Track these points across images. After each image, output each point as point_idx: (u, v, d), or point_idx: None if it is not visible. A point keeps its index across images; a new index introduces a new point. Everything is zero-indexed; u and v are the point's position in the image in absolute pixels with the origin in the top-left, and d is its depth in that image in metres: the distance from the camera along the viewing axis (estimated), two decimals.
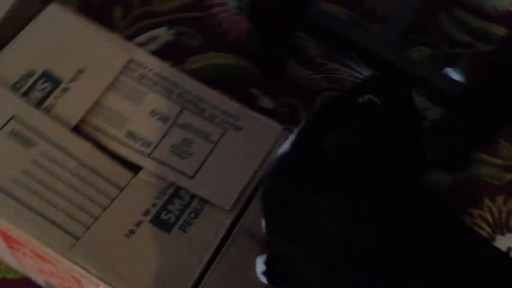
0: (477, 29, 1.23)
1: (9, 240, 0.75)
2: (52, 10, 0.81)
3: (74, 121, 0.74)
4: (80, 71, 0.77)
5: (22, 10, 0.80)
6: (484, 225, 1.03)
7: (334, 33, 1.04)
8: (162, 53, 1.10)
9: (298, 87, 1.10)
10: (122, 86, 0.78)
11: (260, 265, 0.67)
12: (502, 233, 1.03)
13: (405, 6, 1.13)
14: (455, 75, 1.11)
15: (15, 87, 0.75)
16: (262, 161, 0.74)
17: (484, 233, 1.03)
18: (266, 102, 1.08)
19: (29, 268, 0.84)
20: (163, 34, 1.14)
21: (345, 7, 1.21)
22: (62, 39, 0.80)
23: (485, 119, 0.98)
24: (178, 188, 0.72)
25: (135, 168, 0.73)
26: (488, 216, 1.04)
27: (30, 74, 0.76)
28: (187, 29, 1.15)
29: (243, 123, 0.77)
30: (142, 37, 1.12)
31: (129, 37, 1.11)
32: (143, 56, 0.80)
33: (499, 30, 1.22)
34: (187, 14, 1.17)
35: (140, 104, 0.77)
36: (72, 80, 0.76)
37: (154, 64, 0.80)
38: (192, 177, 0.72)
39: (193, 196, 0.71)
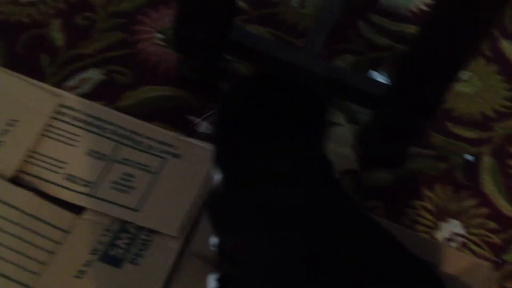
0: (395, 32, 1.30)
1: None
2: None
3: (10, 172, 0.74)
4: (11, 123, 0.78)
5: None
6: (427, 215, 1.08)
7: (260, 52, 1.08)
8: (95, 93, 1.11)
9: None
10: (55, 131, 0.79)
11: (212, 283, 0.69)
12: (445, 220, 1.08)
13: (324, 18, 1.19)
14: (380, 77, 1.17)
15: None
16: (202, 184, 0.76)
17: (428, 223, 1.07)
18: (205, 127, 1.10)
19: None
20: (93, 75, 1.15)
21: (267, 27, 1.25)
22: None
23: (413, 115, 1.03)
24: (124, 222, 0.73)
25: (78, 209, 0.74)
26: (429, 205, 1.09)
27: None
28: (117, 67, 1.16)
29: (181, 150, 0.80)
30: (73, 81, 1.13)
31: (60, 82, 1.11)
32: (72, 99, 0.82)
33: (415, 30, 1.29)
34: (115, 53, 1.18)
35: (75, 146, 0.78)
36: (4, 132, 0.77)
37: (84, 106, 0.82)
38: (136, 209, 0.74)
39: (139, 228, 0.73)
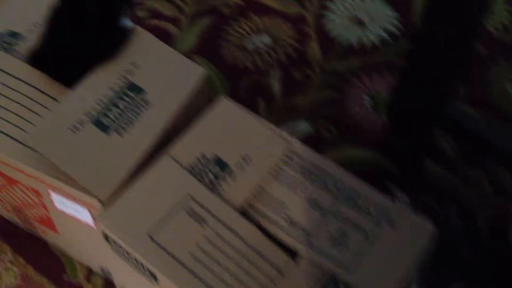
0: None
1: None
2: (221, 103, 0.90)
3: (239, 203, 0.80)
4: (245, 157, 0.84)
5: (193, 102, 0.90)
6: None
7: (472, 132, 1.07)
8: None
9: (434, 186, 1.12)
10: (282, 174, 0.84)
11: None
12: None
13: None
14: None
15: (190, 169, 0.82)
16: (412, 264, 0.76)
17: None
18: (403, 199, 1.10)
19: None
20: (303, 127, 1.21)
21: (479, 108, 1.23)
22: (229, 128, 0.88)
23: None
24: (334, 278, 0.75)
25: (292, 253, 0.77)
26: None
27: (202, 158, 0.83)
28: (325, 123, 1.22)
29: (397, 218, 0.80)
30: (283, 129, 1.20)
31: None
32: (299, 147, 0.87)
33: None
34: (325, 110, 1.24)
35: (297, 192, 0.82)
36: (238, 165, 0.83)
37: (310, 155, 0.86)
38: (348, 268, 0.75)
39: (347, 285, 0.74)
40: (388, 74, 1.29)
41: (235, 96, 1.24)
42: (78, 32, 0.85)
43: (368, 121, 1.23)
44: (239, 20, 1.36)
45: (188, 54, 1.27)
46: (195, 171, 0.82)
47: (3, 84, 0.85)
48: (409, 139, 1.13)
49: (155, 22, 1.35)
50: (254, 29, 1.35)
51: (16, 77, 0.86)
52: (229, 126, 0.88)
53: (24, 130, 0.82)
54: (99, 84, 0.86)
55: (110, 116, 0.84)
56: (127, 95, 0.86)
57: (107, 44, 0.87)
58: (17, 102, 0.84)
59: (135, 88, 0.87)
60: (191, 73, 0.91)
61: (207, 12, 1.37)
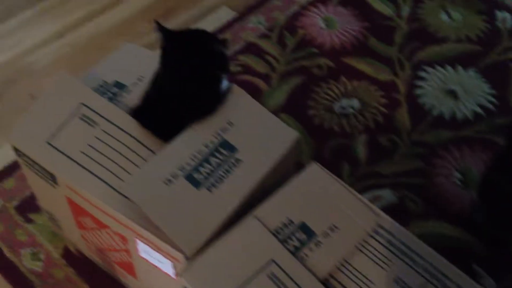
0: None
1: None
2: (310, 169, 0.90)
3: (323, 274, 0.78)
4: (333, 228, 0.83)
5: (283, 164, 0.90)
6: None
7: None
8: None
9: None
10: (369, 248, 0.81)
11: None
12: None
13: None
14: None
15: (275, 233, 0.82)
16: None
17: None
18: (489, 283, 1.04)
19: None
20: (387, 195, 1.18)
21: None
22: (318, 195, 0.87)
23: None
24: None
25: None
26: None
27: (288, 223, 0.83)
28: (410, 194, 1.18)
29: None
30: (367, 195, 1.18)
31: None
32: (389, 222, 0.84)
33: None
34: (411, 180, 1.21)
35: (384, 268, 0.80)
36: (325, 234, 0.82)
37: (400, 232, 0.84)
38: None
39: None
40: (480, 149, 1.25)
41: (320, 158, 1.24)
42: (178, 91, 0.88)
43: (456, 196, 1.19)
44: (330, 82, 1.37)
45: (276, 111, 1.29)
46: (280, 236, 0.82)
47: (105, 132, 0.89)
48: (500, 220, 1.08)
49: (247, 77, 1.38)
50: (344, 92, 1.36)
51: (118, 126, 0.89)
52: (318, 193, 0.87)
53: (120, 179, 0.85)
54: (195, 140, 0.88)
55: (202, 172, 0.85)
56: (220, 153, 0.87)
57: (206, 103, 0.90)
58: (116, 151, 0.87)
59: (228, 147, 0.88)
60: (284, 136, 0.91)
61: (298, 72, 1.39)
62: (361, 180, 1.20)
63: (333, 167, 1.23)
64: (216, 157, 0.87)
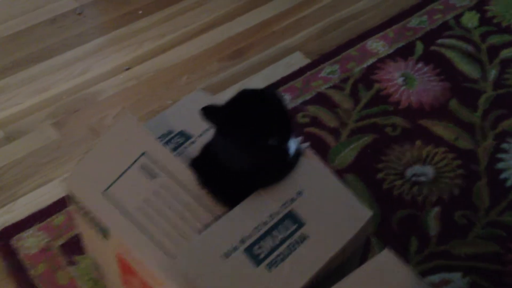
0: None
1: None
2: (384, 257, 0.80)
3: None
4: None
5: (353, 242, 0.82)
6: None
7: None
8: None
9: None
10: None
11: None
12: None
13: None
14: None
15: None
16: None
17: None
18: None
19: None
20: (456, 281, 1.07)
21: None
22: (390, 286, 0.78)
23: None
24: None
25: None
26: None
27: None
28: (482, 281, 1.07)
29: None
30: (434, 278, 1.07)
31: (421, 273, 1.07)
32: None
33: None
34: (484, 265, 1.09)
35: None
36: None
37: None
38: None
39: None
40: None
41: (386, 229, 1.14)
42: (244, 153, 0.81)
43: None
44: (403, 145, 1.28)
45: (342, 170, 1.20)
46: None
47: (165, 188, 0.83)
48: None
49: (314, 130, 1.30)
50: (418, 157, 1.26)
51: (179, 183, 0.83)
52: (390, 283, 0.78)
53: (176, 245, 0.78)
54: (260, 209, 0.80)
55: (264, 247, 0.77)
56: (286, 227, 0.79)
57: (273, 171, 0.83)
58: (175, 210, 0.81)
59: (295, 220, 0.80)
60: (357, 214, 0.83)
61: (369, 129, 1.30)
62: (429, 259, 1.10)
63: (400, 240, 1.14)
64: (281, 231, 0.79)
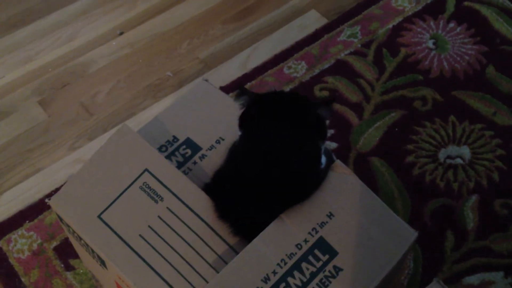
0: None
1: None
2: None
3: None
4: None
5: (391, 272, 0.69)
6: None
7: None
8: None
9: None
10: None
11: None
12: None
13: None
14: None
15: None
16: None
17: None
18: None
19: None
20: (498, 281, 0.96)
21: None
22: None
23: None
24: None
25: None
26: None
27: None
28: None
29: None
30: (473, 279, 0.96)
31: (458, 274, 0.95)
32: None
33: None
34: None
35: None
36: None
37: None
38: None
39: None
40: None
41: (418, 223, 1.01)
42: (265, 169, 0.67)
43: None
44: (435, 121, 1.13)
45: (366, 153, 1.06)
46: None
47: (170, 211, 0.69)
48: None
49: (334, 106, 1.15)
50: (452, 136, 1.11)
51: (186, 205, 0.70)
52: None
53: (187, 280, 0.66)
54: (284, 238, 0.67)
55: (292, 284, 0.65)
56: (316, 257, 0.67)
57: (301, 185, 0.69)
58: (183, 238, 0.68)
59: (326, 249, 0.67)
60: (399, 238, 0.70)
61: (397, 104, 1.15)
62: (467, 257, 0.98)
63: (434, 236, 1.01)
64: (311, 263, 0.67)
